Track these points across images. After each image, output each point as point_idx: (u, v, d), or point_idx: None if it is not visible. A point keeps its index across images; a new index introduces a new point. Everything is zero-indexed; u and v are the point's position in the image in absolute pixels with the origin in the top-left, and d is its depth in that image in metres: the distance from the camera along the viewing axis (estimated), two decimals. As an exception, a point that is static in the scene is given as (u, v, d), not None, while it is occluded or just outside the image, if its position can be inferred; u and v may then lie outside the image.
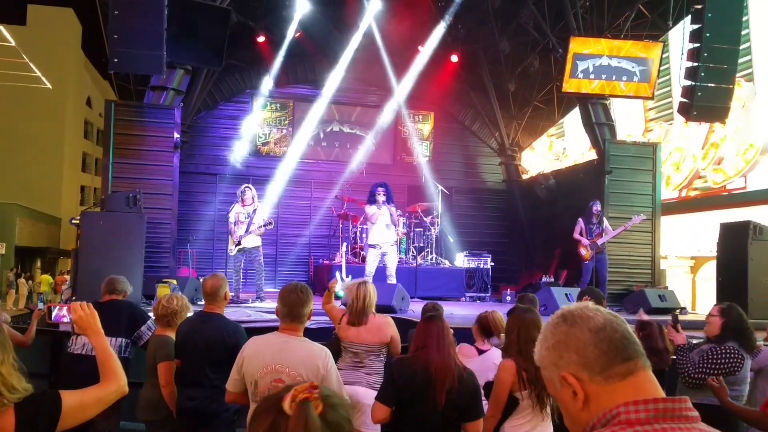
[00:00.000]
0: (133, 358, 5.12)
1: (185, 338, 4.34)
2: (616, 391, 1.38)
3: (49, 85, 33.69)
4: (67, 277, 22.71)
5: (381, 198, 10.63)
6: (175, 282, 9.32)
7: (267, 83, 15.32)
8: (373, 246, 10.71)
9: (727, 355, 4.33)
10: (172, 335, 4.57)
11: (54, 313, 5.07)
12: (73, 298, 8.51)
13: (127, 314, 5.08)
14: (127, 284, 5.29)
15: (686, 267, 16.47)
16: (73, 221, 9.23)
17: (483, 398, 3.77)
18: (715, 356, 4.36)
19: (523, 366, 3.80)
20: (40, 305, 8.44)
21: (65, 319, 5.00)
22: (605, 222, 11.34)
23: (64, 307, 5.06)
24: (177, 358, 4.39)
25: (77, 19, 40.40)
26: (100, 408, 2.34)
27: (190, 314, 4.79)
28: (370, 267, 10.72)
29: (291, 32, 14.41)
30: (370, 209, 10.65)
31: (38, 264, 35.55)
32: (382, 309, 8.55)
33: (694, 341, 5.09)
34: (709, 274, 14.04)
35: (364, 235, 13.34)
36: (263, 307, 9.43)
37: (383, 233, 10.68)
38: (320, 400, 1.42)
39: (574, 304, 1.54)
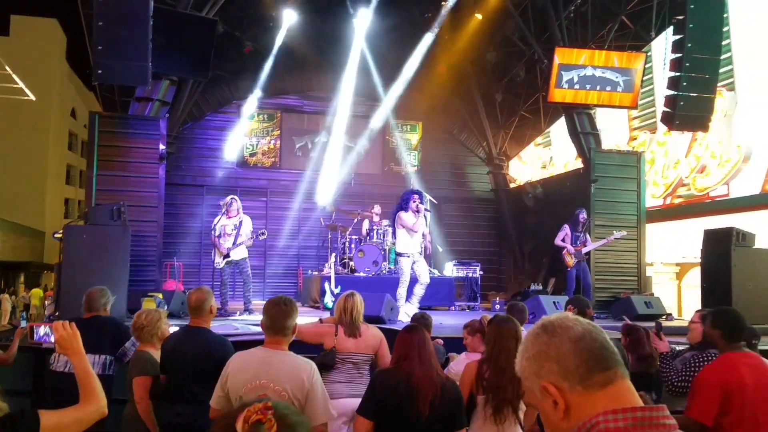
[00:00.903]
0: (118, 375, 5.06)
1: (171, 353, 4.29)
2: (596, 400, 1.40)
3: (32, 97, 33.43)
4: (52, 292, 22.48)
5: (421, 205, 10.14)
6: (160, 296, 9.25)
7: (255, 93, 15.23)
8: (406, 255, 10.14)
9: (708, 362, 4.27)
10: (150, 350, 4.53)
11: (40, 333, 5.02)
12: (56, 313, 8.42)
13: (111, 331, 5.02)
14: (107, 295, 5.21)
15: (672, 273, 16.57)
16: (56, 235, 9.16)
17: None
18: (696, 363, 4.37)
19: (484, 372, 3.80)
20: (23, 323, 8.37)
21: (50, 338, 4.95)
22: (587, 234, 11.47)
23: (47, 326, 5.00)
24: (163, 373, 4.34)
25: (62, 29, 40.25)
26: (80, 429, 2.32)
27: (170, 328, 4.76)
28: (407, 276, 10.19)
29: (279, 42, 14.36)
30: (409, 217, 10.04)
31: (21, 279, 35.20)
32: (371, 320, 8.54)
33: (679, 348, 5.13)
34: (694, 280, 14.12)
35: (352, 246, 13.31)
36: (251, 320, 9.37)
37: (417, 241, 10.29)
38: (275, 422, 1.40)
39: (555, 314, 1.56)
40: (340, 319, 4.80)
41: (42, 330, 5.26)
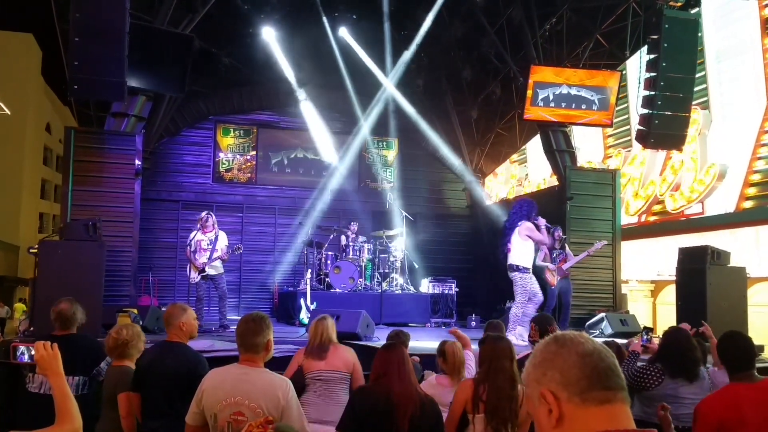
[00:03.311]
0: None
1: (146, 369, 4.26)
2: (590, 416, 1.41)
3: (7, 111, 33.15)
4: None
5: (541, 219, 9.43)
6: (135, 311, 9.17)
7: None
8: (526, 270, 9.28)
9: (642, 372, 4.63)
10: (130, 365, 4.49)
11: (20, 353, 4.95)
12: (31, 328, 8.32)
13: (85, 351, 4.92)
14: (79, 310, 5.11)
15: (646, 291, 16.71)
16: (31, 250, 9.07)
17: None
18: (636, 370, 4.70)
19: (482, 395, 3.78)
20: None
21: (25, 358, 4.91)
22: (567, 248, 11.45)
23: (27, 346, 4.95)
24: (137, 389, 4.28)
25: (37, 44, 39.98)
26: None
27: (145, 343, 4.73)
28: (539, 292, 9.32)
29: (256, 58, 14.37)
30: (535, 232, 9.21)
31: (-5, 293, 34.67)
32: (348, 336, 8.54)
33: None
34: (669, 297, 14.26)
35: (329, 262, 13.27)
36: (227, 336, 9.31)
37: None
38: None
39: (570, 330, 1.57)
40: (311, 341, 4.80)
41: (22, 349, 5.20)
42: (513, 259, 9.33)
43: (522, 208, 9.60)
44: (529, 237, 9.19)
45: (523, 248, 9.25)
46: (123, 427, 4.29)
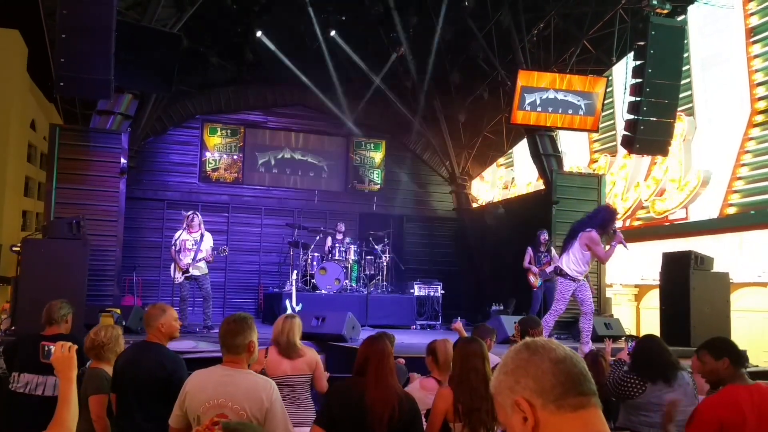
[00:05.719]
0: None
1: (121, 369, 4.19)
2: (565, 422, 1.41)
3: (-8, 108, 32.89)
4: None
5: (620, 233, 8.58)
6: (118, 311, 9.12)
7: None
8: (570, 278, 8.54)
9: (622, 381, 4.63)
10: (105, 368, 4.44)
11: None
12: (12, 328, 8.26)
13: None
14: (67, 307, 5.08)
15: (630, 295, 16.77)
16: (14, 248, 9.00)
17: None
18: (617, 379, 4.71)
19: (459, 397, 3.77)
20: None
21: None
22: (553, 251, 11.49)
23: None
24: (113, 390, 4.20)
25: (23, 40, 39.66)
26: None
27: (124, 346, 4.68)
28: (563, 303, 8.62)
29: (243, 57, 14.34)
30: (598, 245, 8.39)
31: (-24, 291, 34.28)
32: (333, 338, 8.55)
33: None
34: (652, 302, 14.32)
35: (314, 263, 13.24)
36: (211, 337, 9.28)
37: (588, 267, 8.70)
38: None
39: (540, 338, 1.57)
40: (278, 338, 4.70)
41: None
42: (563, 262, 8.73)
43: (597, 214, 8.86)
44: (588, 247, 8.51)
45: (577, 255, 8.56)
46: (95, 429, 4.23)
